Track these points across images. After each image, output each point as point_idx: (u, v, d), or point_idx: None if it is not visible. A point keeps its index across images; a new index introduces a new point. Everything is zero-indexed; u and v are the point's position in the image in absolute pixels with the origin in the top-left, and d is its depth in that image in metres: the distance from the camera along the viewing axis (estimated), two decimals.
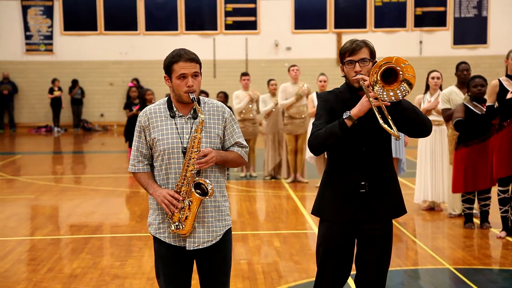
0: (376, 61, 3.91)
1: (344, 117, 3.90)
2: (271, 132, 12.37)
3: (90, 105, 24.38)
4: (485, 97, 7.93)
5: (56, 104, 23.67)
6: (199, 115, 3.85)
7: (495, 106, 7.64)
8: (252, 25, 24.21)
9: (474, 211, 8.59)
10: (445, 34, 24.39)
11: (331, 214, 4.11)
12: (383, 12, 24.19)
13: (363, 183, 4.04)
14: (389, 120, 3.81)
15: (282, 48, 24.09)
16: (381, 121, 3.78)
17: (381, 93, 3.83)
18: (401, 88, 3.84)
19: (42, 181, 12.51)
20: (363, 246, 4.13)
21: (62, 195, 11.07)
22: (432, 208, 9.34)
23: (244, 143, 4.10)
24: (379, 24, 23.91)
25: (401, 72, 3.83)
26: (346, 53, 4.02)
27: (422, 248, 7.44)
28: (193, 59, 3.92)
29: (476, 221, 8.44)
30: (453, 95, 8.51)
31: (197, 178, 3.88)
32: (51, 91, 23.61)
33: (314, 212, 4.24)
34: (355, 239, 4.14)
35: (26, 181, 12.64)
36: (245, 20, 24.20)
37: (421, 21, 24.33)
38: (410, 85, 3.84)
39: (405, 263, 6.88)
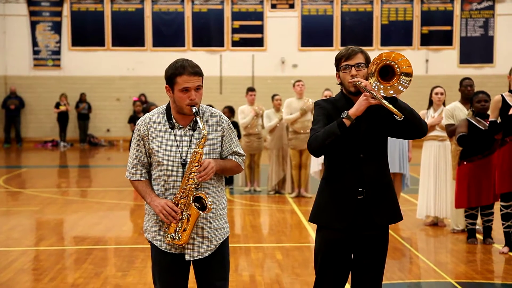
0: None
1: (342, 117, 3.93)
2: (275, 147, 12.40)
3: (96, 120, 24.47)
4: (488, 112, 7.95)
5: (62, 118, 23.75)
6: (202, 131, 3.86)
7: (498, 122, 7.66)
8: (259, 42, 24.32)
9: (477, 227, 8.58)
10: (451, 53, 24.44)
11: (328, 221, 4.11)
12: (389, 30, 24.29)
13: (361, 189, 4.04)
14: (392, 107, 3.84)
15: (289, 65, 24.18)
16: (385, 102, 3.81)
17: (377, 86, 3.85)
18: (401, 81, 3.87)
19: (47, 194, 12.55)
20: (360, 252, 4.13)
21: (67, 208, 11.10)
22: (435, 224, 9.34)
23: (241, 151, 4.13)
24: (385, 42, 23.99)
25: (397, 66, 3.86)
26: (342, 59, 4.08)
27: (424, 262, 7.43)
28: (197, 72, 3.91)
29: (479, 236, 8.43)
30: (456, 111, 8.53)
31: (197, 192, 3.89)
32: (57, 105, 23.70)
33: (312, 219, 4.23)
34: (353, 245, 4.14)
35: (31, 193, 12.68)
36: (252, 37, 24.32)
37: (427, 40, 24.40)
38: (409, 75, 3.87)
39: (407, 276, 6.87)
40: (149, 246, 4.20)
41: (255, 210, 10.98)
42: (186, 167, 3.90)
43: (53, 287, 6.47)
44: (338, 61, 4.11)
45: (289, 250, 8.02)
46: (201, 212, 3.87)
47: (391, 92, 3.86)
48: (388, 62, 3.86)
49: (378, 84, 3.86)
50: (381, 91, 3.85)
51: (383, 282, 6.42)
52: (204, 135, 3.86)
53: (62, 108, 23.62)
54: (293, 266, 7.23)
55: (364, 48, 4.18)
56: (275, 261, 7.49)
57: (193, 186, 3.88)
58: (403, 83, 3.87)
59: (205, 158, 3.92)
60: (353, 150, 4.05)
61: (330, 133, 3.94)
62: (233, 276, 6.72)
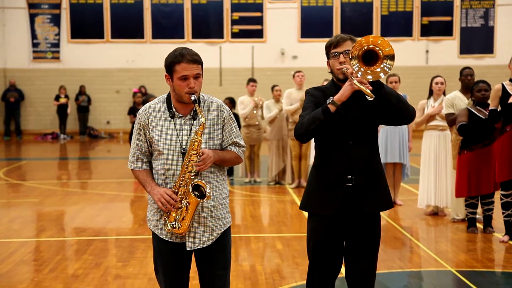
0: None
1: (327, 102, 3.95)
2: (275, 138, 12.38)
3: (96, 113, 24.46)
4: (488, 101, 7.94)
5: (62, 111, 23.74)
6: (200, 118, 3.85)
7: (498, 110, 7.64)
8: (259, 34, 24.27)
9: (478, 216, 8.58)
10: (451, 44, 24.40)
11: (318, 208, 4.12)
12: (389, 21, 24.24)
13: (350, 176, 4.04)
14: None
15: (288, 56, 24.13)
16: (356, 83, 3.81)
17: (357, 68, 3.83)
18: (384, 67, 3.84)
19: (47, 186, 12.55)
20: (352, 239, 4.14)
21: (67, 199, 11.10)
22: (436, 213, 9.33)
23: (242, 142, 4.11)
24: (385, 33, 23.91)
25: (378, 49, 3.84)
26: (331, 46, 4.11)
27: (425, 251, 7.43)
28: (196, 60, 3.89)
29: (480, 225, 8.42)
30: (456, 100, 8.51)
31: (196, 180, 3.88)
32: (57, 98, 23.69)
33: (302, 206, 4.25)
34: (343, 232, 4.14)
35: (31, 185, 12.68)
36: (251, 28, 24.27)
37: (427, 31, 24.35)
38: (392, 58, 3.85)
39: (407, 265, 6.87)
40: (150, 236, 4.19)
41: (255, 201, 10.98)
42: (185, 155, 3.88)
43: (53, 278, 6.47)
44: (328, 49, 4.14)
45: (289, 240, 8.02)
46: (200, 200, 3.86)
47: (370, 77, 3.85)
48: (368, 47, 3.84)
49: (358, 67, 3.85)
50: (359, 73, 3.84)
51: (384, 271, 6.46)
52: (202, 122, 3.84)
53: (62, 100, 23.61)
54: (293, 256, 7.23)
55: None
56: (275, 251, 7.49)
57: (192, 174, 3.87)
58: (386, 69, 3.85)
59: (205, 148, 3.90)
60: (341, 137, 4.05)
61: (315, 119, 3.96)
62: (234, 266, 6.70)
